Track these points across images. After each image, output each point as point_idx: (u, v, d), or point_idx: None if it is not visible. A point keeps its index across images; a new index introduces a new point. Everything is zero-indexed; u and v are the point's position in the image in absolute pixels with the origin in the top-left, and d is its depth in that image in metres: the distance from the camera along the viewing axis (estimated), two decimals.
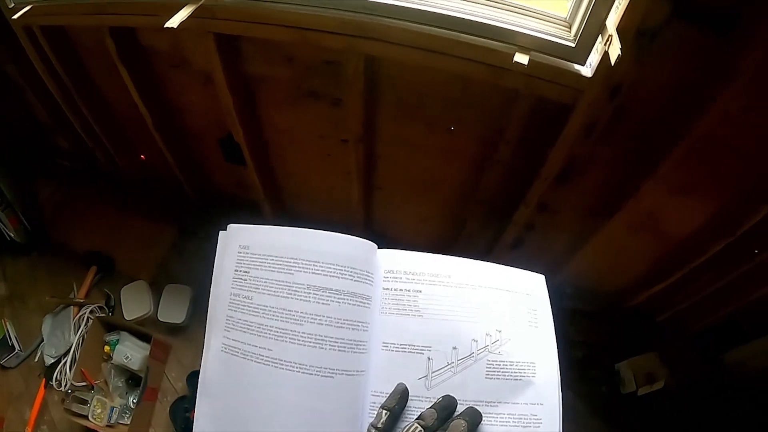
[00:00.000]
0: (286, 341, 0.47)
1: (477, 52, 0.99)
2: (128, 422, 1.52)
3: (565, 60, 0.99)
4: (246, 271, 0.50)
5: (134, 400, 1.58)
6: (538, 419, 0.46)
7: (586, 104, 1.01)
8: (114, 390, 1.61)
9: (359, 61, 1.08)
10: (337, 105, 1.27)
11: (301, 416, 0.46)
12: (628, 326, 1.73)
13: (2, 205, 1.87)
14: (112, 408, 1.55)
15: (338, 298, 0.48)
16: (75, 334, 1.74)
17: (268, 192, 1.73)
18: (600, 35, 0.94)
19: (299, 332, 0.47)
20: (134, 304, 1.78)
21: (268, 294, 0.48)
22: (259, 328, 0.48)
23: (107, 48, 1.31)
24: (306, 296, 0.48)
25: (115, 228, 2.00)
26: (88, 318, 1.77)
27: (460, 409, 0.45)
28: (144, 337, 1.65)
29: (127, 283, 1.83)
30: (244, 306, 0.49)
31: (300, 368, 0.46)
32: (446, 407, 0.45)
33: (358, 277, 0.49)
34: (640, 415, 1.60)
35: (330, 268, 0.48)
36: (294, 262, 0.48)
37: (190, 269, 1.80)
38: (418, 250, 0.52)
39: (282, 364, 0.46)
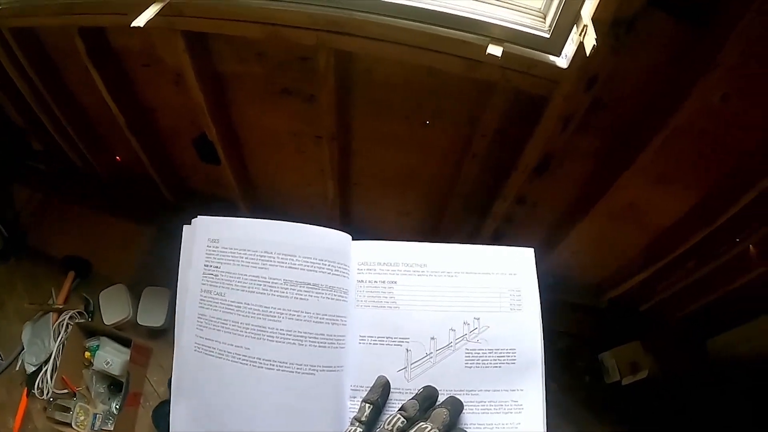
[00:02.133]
0: (264, 339, 0.45)
1: (449, 44, 0.97)
2: (112, 428, 1.50)
3: (540, 51, 0.98)
4: (217, 266, 0.48)
5: (117, 406, 1.56)
6: (518, 405, 0.47)
7: (561, 96, 0.99)
8: (96, 396, 1.59)
9: (330, 56, 1.06)
10: (310, 101, 1.24)
11: (282, 415, 0.45)
12: (611, 316, 1.74)
13: None
14: (95, 415, 1.54)
15: (316, 293, 0.47)
16: (55, 341, 1.70)
17: (244, 191, 1.70)
18: (575, 25, 0.93)
19: (278, 329, 0.45)
20: (113, 308, 1.76)
21: (243, 290, 0.47)
22: (234, 326, 0.46)
23: (77, 49, 1.28)
24: (283, 291, 0.46)
25: (92, 231, 1.97)
26: (67, 324, 1.74)
27: (441, 398, 0.46)
28: (124, 342, 1.63)
29: (105, 287, 1.80)
30: (217, 303, 0.47)
31: (280, 366, 0.45)
32: (428, 397, 0.45)
33: (335, 270, 0.48)
34: (625, 404, 1.61)
35: (307, 261, 0.47)
36: (269, 257, 0.47)
37: (168, 271, 1.75)
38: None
39: (261, 363, 0.45)
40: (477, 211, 1.47)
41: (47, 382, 1.63)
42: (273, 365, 0.45)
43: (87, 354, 1.62)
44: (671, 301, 1.61)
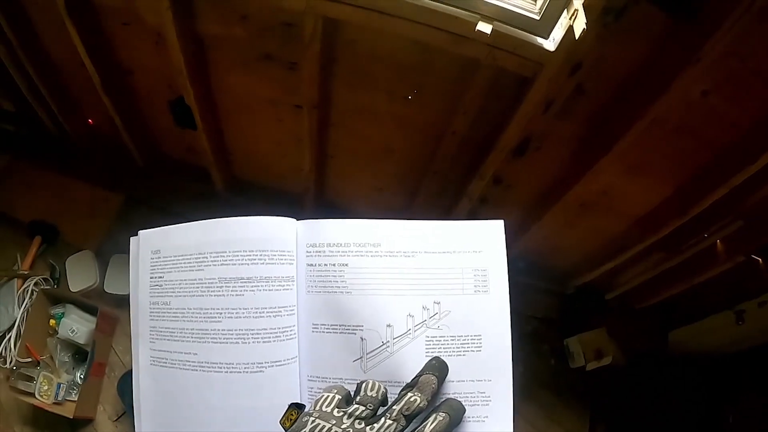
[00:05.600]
0: (208, 342, 0.45)
1: (439, 18, 0.96)
2: (76, 399, 1.47)
3: (529, 32, 0.99)
4: (161, 276, 0.48)
5: (81, 376, 1.53)
6: (486, 397, 0.43)
7: (546, 79, 1.01)
8: (60, 365, 1.55)
9: (317, 22, 1.03)
10: (292, 69, 1.22)
11: (237, 418, 0.44)
12: (578, 302, 1.78)
13: None
14: (59, 384, 1.50)
15: (252, 286, 0.45)
16: (19, 307, 1.65)
17: (218, 158, 1.67)
18: (565, 10, 0.94)
19: (219, 330, 0.45)
20: (80, 275, 1.71)
21: (184, 295, 0.46)
22: (181, 332, 0.46)
23: (55, 2, 1.22)
24: (219, 290, 0.45)
25: (60, 196, 1.90)
26: (32, 290, 1.69)
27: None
28: (90, 310, 1.59)
29: (72, 254, 1.75)
30: (164, 313, 0.47)
31: (227, 368, 0.44)
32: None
33: (270, 258, 0.46)
34: (588, 389, 1.66)
35: (237, 255, 0.45)
36: (203, 257, 0.46)
37: None
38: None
39: (210, 367, 0.45)
40: (452, 191, 1.47)
41: (11, 350, 1.58)
42: (221, 368, 0.44)
43: (52, 322, 1.58)
44: (637, 291, 1.66)
